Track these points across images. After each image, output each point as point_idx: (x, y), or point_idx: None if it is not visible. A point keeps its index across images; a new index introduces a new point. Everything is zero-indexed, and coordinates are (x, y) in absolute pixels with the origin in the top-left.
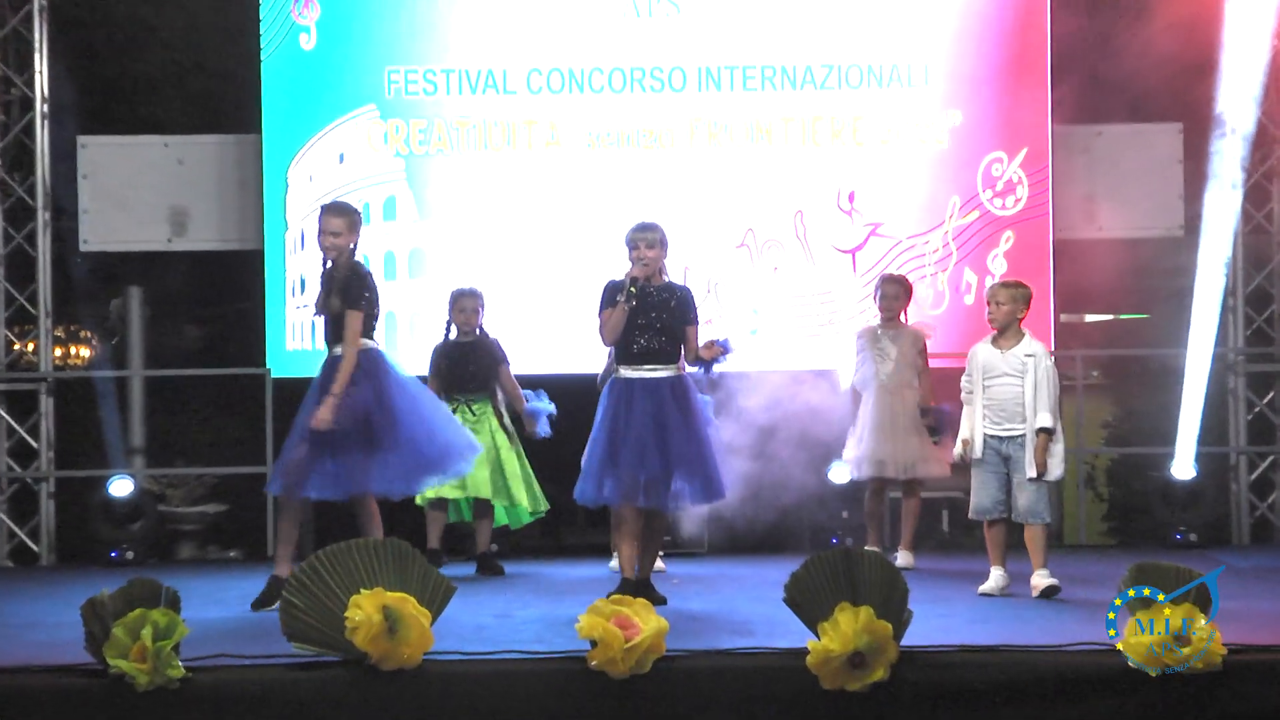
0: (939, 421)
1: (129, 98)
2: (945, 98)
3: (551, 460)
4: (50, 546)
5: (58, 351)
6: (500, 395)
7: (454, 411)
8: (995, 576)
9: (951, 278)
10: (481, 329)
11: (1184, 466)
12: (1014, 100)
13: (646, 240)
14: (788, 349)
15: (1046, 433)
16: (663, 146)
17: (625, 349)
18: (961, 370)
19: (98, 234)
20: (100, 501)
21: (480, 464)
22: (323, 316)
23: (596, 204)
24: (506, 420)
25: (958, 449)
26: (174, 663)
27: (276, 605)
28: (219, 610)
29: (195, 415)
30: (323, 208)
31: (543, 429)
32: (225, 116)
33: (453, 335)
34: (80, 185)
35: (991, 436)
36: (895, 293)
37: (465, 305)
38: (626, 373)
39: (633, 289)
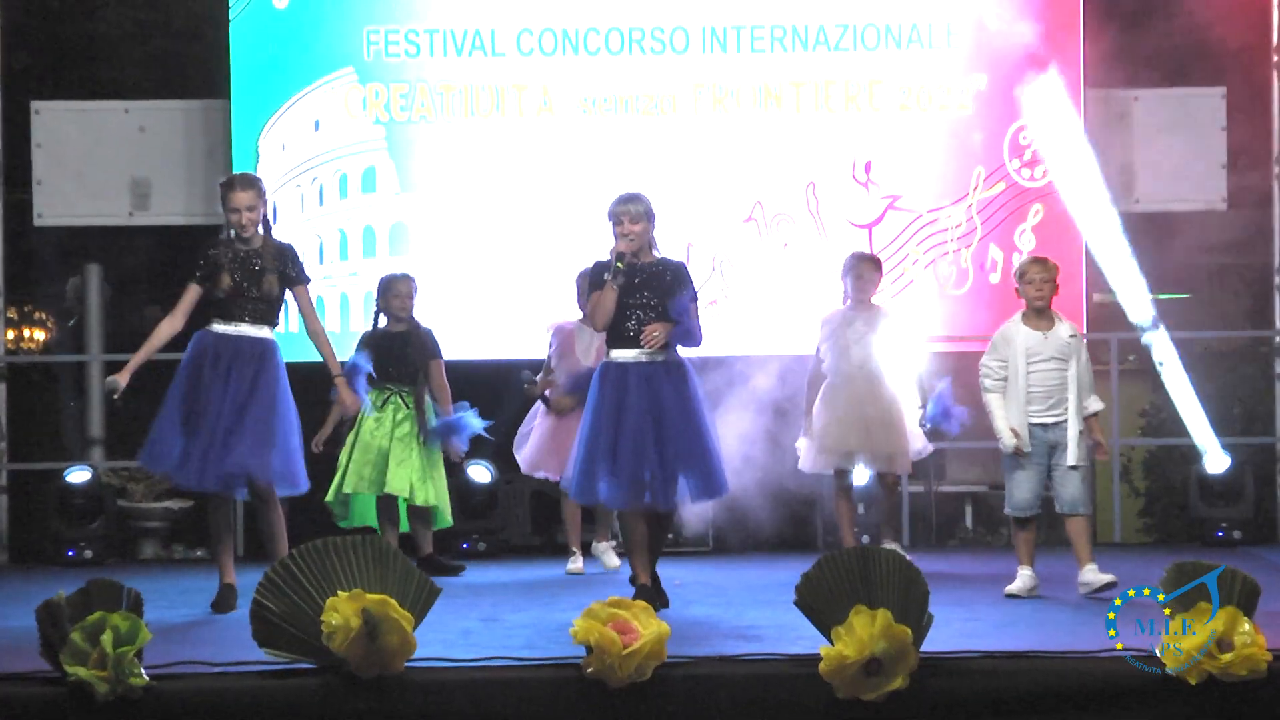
0: (940, 413)
1: (87, 60)
2: (969, 60)
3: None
4: (2, 545)
5: (10, 334)
6: (428, 391)
7: (385, 403)
8: (1024, 577)
9: (976, 254)
10: (412, 317)
11: (1216, 459)
12: (1043, 63)
13: (630, 214)
14: (798, 331)
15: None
16: (664, 113)
17: (617, 332)
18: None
19: (53, 207)
20: (56, 497)
21: (402, 461)
22: (229, 295)
23: (591, 175)
24: (431, 419)
25: (1008, 438)
26: (136, 670)
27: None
28: (184, 614)
29: (158, 403)
30: (224, 183)
31: (460, 445)
32: (191, 80)
33: (382, 323)
34: (34, 154)
35: (1036, 425)
36: (871, 273)
37: (400, 290)
38: (619, 356)
39: (620, 265)
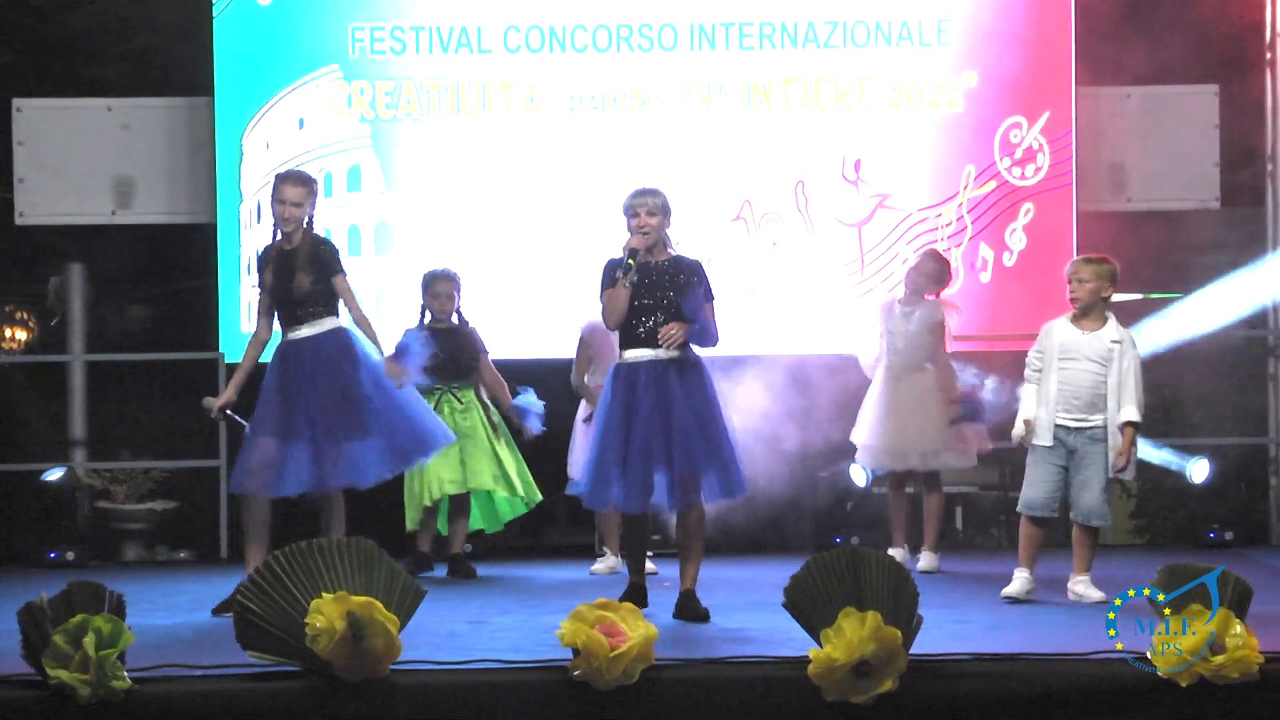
0: (970, 410)
1: (69, 57)
2: (959, 57)
3: (531, 453)
4: None
5: None
6: (482, 387)
7: (438, 403)
8: (1021, 579)
9: (966, 253)
10: (460, 314)
11: (1199, 469)
12: (1035, 60)
13: (647, 207)
14: (787, 330)
15: (1135, 427)
16: (652, 110)
17: (629, 332)
18: (971, 355)
19: (35, 206)
20: (38, 498)
21: (476, 455)
22: (276, 298)
23: (579, 173)
24: (493, 412)
25: (1019, 428)
26: (119, 673)
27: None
28: (168, 616)
29: (141, 404)
30: (279, 176)
31: (535, 426)
32: (174, 78)
33: (427, 320)
34: (15, 152)
35: (1059, 426)
36: (933, 271)
37: (439, 290)
38: (631, 357)
39: (632, 262)
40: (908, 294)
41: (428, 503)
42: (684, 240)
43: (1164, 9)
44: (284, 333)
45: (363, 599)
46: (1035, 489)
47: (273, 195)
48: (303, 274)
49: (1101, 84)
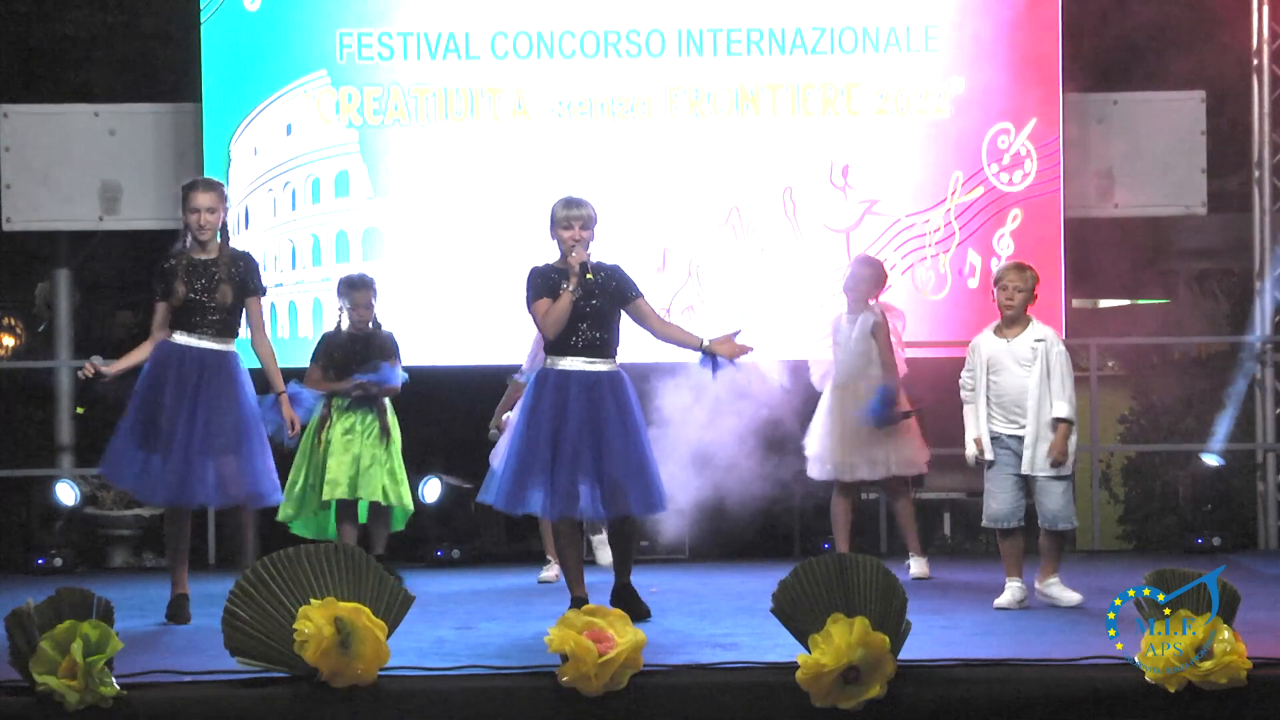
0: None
1: (55, 62)
2: (947, 63)
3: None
4: None
5: None
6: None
7: (349, 407)
8: (1012, 589)
9: (954, 259)
10: (375, 320)
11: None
12: (1022, 66)
13: (582, 219)
14: (775, 336)
15: (1067, 423)
16: (639, 117)
17: (564, 341)
18: (957, 362)
19: (21, 212)
20: (25, 504)
21: (378, 463)
22: (185, 307)
23: (567, 179)
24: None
25: (971, 450)
26: (107, 679)
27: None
28: (155, 622)
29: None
30: (187, 185)
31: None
32: (161, 83)
33: (344, 325)
34: (2, 158)
35: (1004, 435)
36: (869, 275)
37: (359, 300)
38: (563, 364)
39: (589, 275)
40: (851, 304)
41: (291, 510)
42: (672, 246)
43: (1150, 16)
44: (175, 337)
45: (350, 605)
46: (997, 501)
47: (184, 204)
48: (226, 285)
49: (1089, 90)
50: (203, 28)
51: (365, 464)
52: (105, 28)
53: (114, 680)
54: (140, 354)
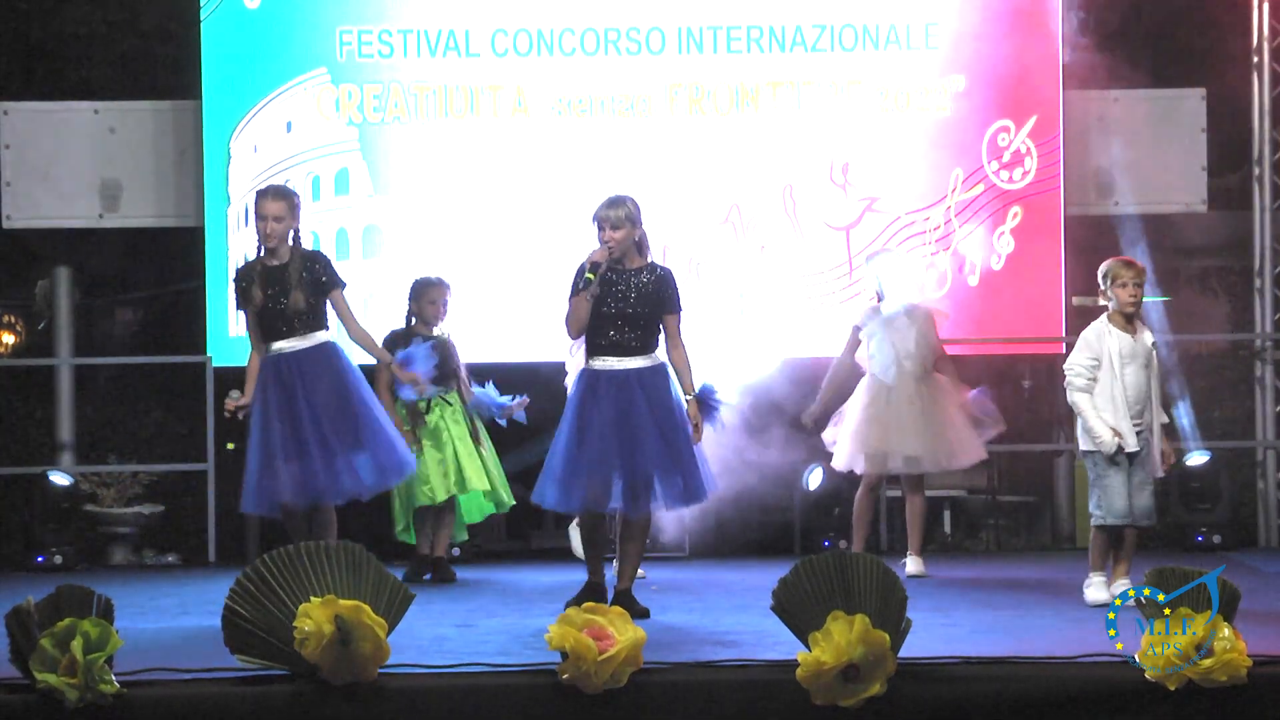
0: (984, 411)
1: (55, 59)
2: (947, 61)
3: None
4: None
5: None
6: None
7: (431, 408)
8: (1100, 582)
9: (954, 257)
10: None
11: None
12: (1022, 64)
13: (611, 220)
14: (775, 334)
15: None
16: (639, 114)
17: (594, 340)
18: (963, 358)
19: (22, 209)
20: (26, 501)
21: (468, 458)
22: (266, 315)
23: (566, 177)
24: (476, 416)
25: (1109, 441)
26: (107, 677)
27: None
28: (155, 620)
29: (129, 407)
30: (258, 192)
31: (516, 415)
32: (161, 80)
33: (414, 325)
34: (2, 156)
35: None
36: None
37: (435, 297)
38: (594, 364)
39: (591, 276)
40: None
41: (424, 501)
42: (672, 244)
43: (1150, 13)
44: (269, 346)
45: (351, 602)
46: (1116, 497)
47: (255, 212)
48: (298, 291)
49: (1089, 88)
50: (203, 25)
51: (466, 459)
52: (105, 25)
53: (114, 678)
54: (253, 370)
